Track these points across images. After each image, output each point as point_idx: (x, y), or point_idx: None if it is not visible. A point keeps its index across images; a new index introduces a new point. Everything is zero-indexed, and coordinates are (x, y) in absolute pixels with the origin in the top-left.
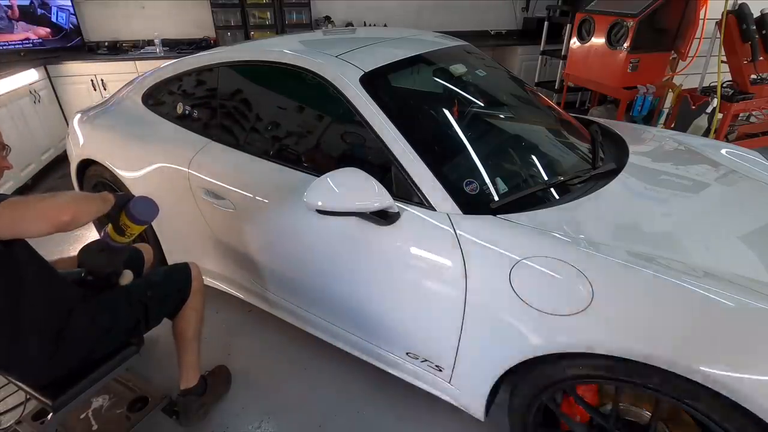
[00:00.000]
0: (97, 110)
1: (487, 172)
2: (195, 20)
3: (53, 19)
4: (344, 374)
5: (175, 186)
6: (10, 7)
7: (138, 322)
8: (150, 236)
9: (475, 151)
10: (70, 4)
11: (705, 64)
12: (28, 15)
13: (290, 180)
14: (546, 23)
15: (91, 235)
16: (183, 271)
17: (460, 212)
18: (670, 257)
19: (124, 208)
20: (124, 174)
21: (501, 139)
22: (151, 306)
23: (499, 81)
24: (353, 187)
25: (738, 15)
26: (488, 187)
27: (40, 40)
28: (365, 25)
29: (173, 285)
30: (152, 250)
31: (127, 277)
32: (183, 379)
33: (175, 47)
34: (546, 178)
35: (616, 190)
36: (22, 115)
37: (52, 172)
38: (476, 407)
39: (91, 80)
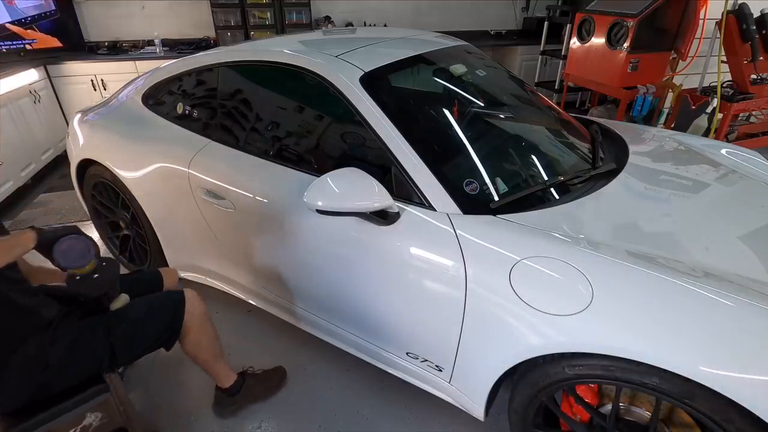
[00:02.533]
0: (97, 110)
1: (487, 172)
2: (195, 20)
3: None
4: (344, 374)
5: (175, 186)
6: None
7: (101, 360)
8: (150, 236)
9: (475, 151)
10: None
11: (705, 64)
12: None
13: (290, 180)
14: (546, 23)
15: None
16: (170, 306)
17: (460, 212)
18: (670, 257)
19: (51, 250)
20: (124, 174)
21: (501, 139)
22: (119, 346)
23: (499, 81)
24: (353, 187)
25: (738, 15)
26: (488, 187)
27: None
28: (365, 25)
29: (153, 326)
30: (177, 274)
31: (121, 300)
32: (216, 381)
33: (175, 47)
34: (546, 178)
35: (616, 190)
36: (22, 115)
37: (53, 172)
38: (476, 407)
39: (91, 80)
